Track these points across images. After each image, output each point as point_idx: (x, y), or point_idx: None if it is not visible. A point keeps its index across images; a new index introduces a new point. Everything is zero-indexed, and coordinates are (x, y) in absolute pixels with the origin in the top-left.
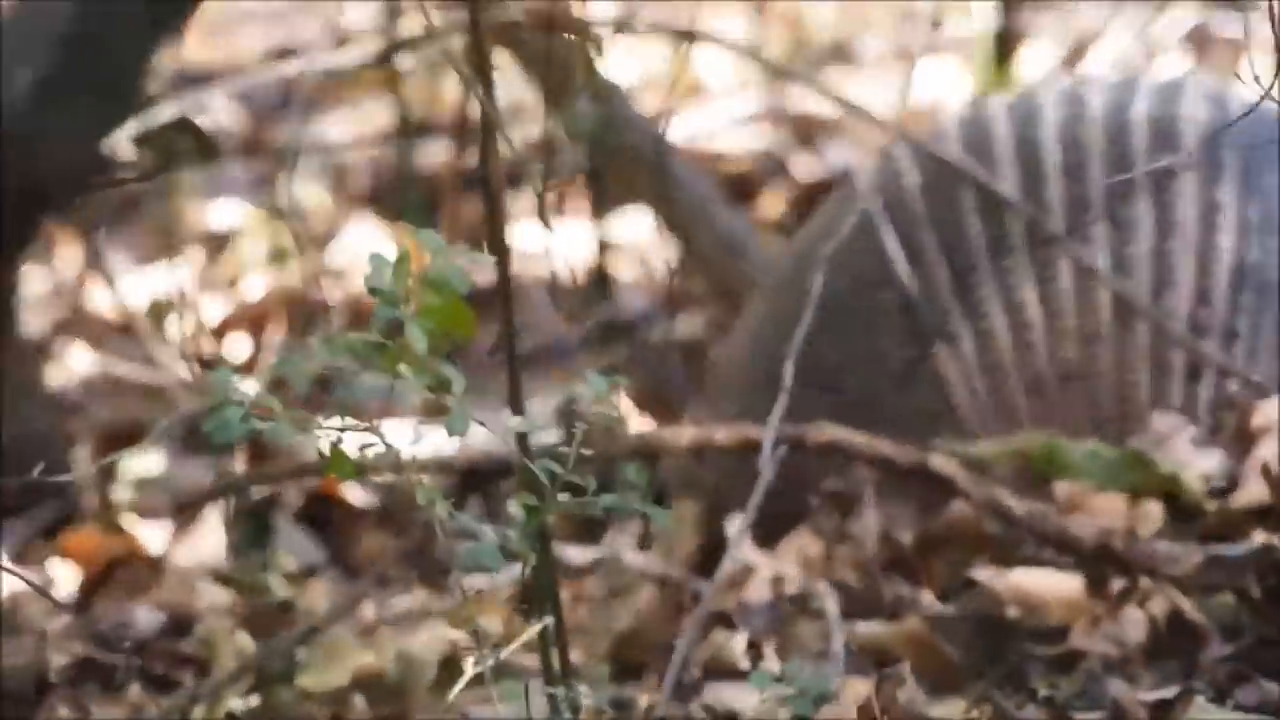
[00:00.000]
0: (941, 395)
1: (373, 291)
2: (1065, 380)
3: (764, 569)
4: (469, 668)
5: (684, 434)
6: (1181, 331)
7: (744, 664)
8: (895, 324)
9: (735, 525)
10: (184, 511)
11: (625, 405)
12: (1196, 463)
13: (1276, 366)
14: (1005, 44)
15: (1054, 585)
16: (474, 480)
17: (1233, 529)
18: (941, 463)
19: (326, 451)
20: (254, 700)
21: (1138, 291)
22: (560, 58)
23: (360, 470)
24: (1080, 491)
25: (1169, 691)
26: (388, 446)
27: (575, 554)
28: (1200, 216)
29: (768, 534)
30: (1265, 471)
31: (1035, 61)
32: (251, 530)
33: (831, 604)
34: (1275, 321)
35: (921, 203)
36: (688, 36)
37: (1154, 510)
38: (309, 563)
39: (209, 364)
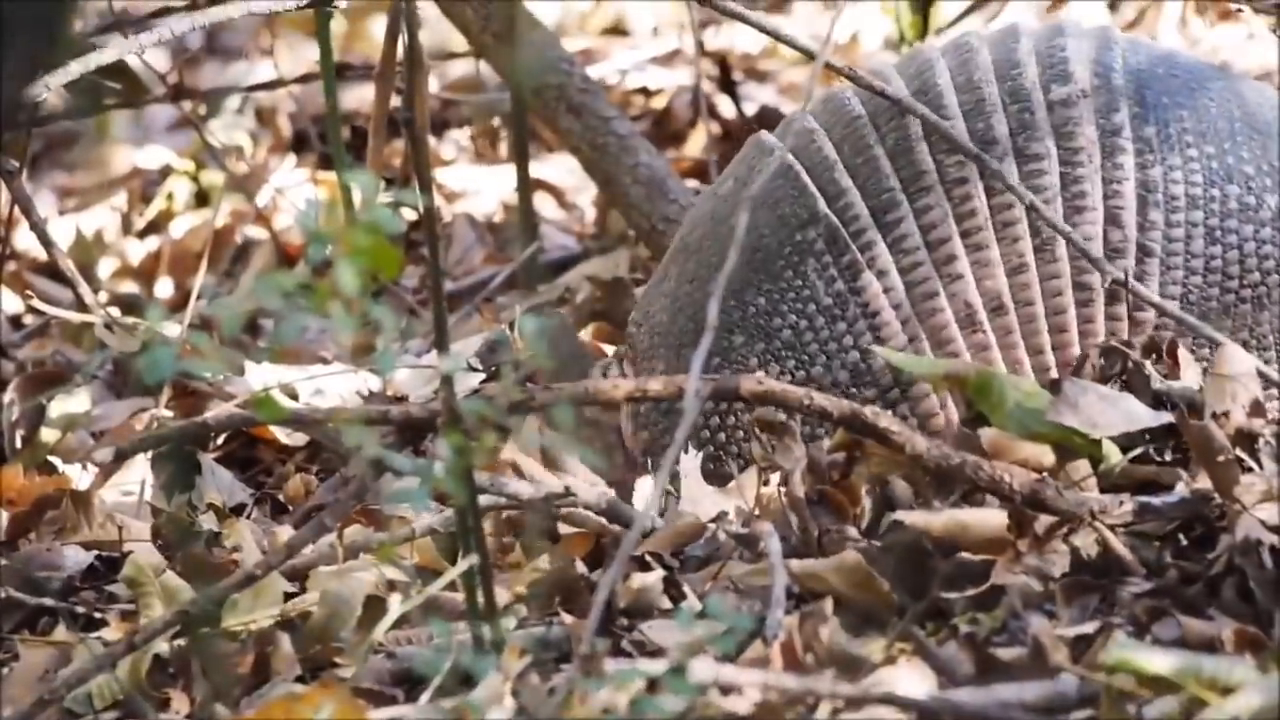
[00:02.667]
0: (873, 326)
1: (307, 232)
2: (997, 311)
3: (708, 506)
4: (394, 606)
5: (621, 385)
6: (1102, 262)
7: (664, 603)
8: (822, 260)
9: (663, 466)
10: (118, 461)
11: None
12: (1111, 422)
13: (1190, 279)
14: None
15: (977, 520)
16: (406, 432)
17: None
18: (876, 414)
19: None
20: (180, 642)
21: (1055, 218)
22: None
23: (294, 420)
24: (1006, 438)
25: (1089, 627)
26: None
27: (523, 488)
28: (1101, 140)
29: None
30: (1187, 426)
31: (955, 1)
32: (178, 469)
33: (774, 542)
34: (1184, 233)
35: (832, 149)
36: None
37: (1081, 466)
38: (236, 502)
39: (134, 306)
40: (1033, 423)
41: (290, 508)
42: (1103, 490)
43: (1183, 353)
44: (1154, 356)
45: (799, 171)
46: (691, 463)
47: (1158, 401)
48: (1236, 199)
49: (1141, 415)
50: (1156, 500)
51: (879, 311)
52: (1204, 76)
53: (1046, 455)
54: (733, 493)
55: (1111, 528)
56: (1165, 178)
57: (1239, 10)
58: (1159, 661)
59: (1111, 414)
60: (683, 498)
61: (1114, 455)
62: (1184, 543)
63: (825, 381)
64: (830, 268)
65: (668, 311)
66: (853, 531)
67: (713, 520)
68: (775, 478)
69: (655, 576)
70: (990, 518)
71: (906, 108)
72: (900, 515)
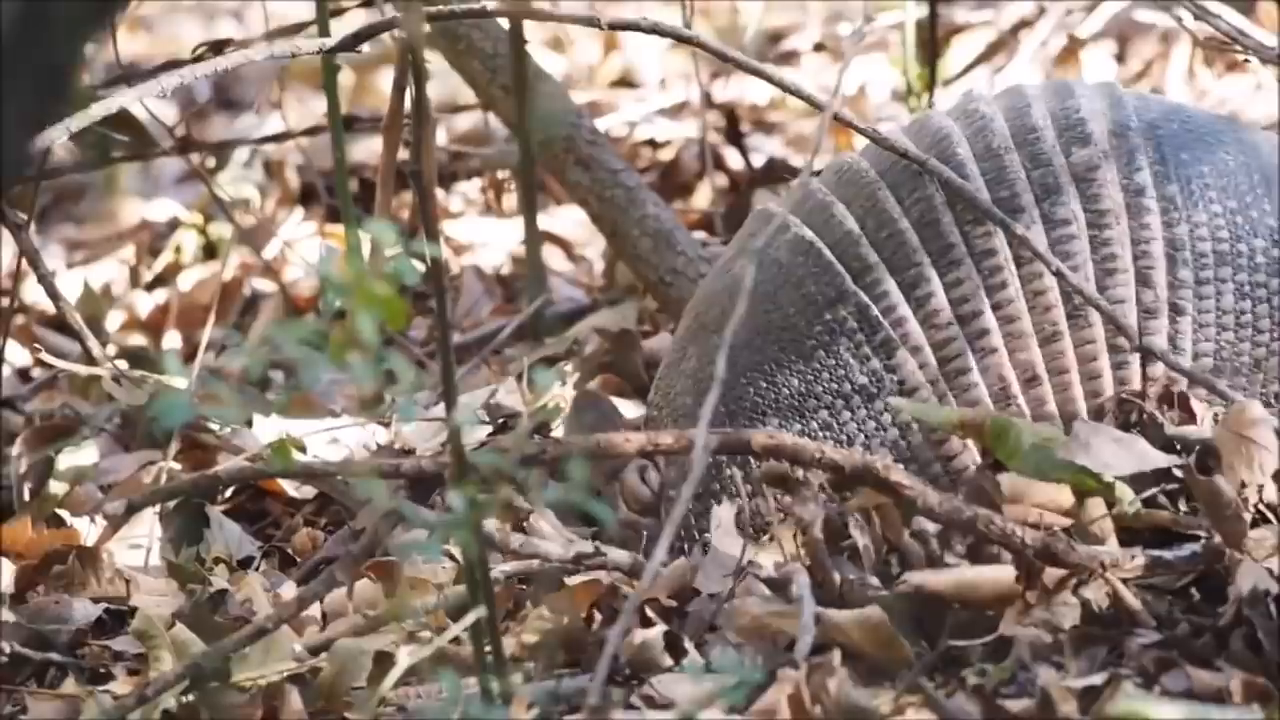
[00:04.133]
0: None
1: (323, 281)
2: (1031, 383)
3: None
4: (402, 660)
5: (633, 439)
6: (1130, 328)
7: (665, 660)
8: (855, 339)
9: (669, 520)
10: (129, 514)
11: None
12: (1123, 463)
13: (1221, 335)
14: (934, 36)
15: (987, 574)
16: (416, 485)
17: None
18: (888, 468)
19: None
20: (189, 697)
21: (1086, 286)
22: (492, 52)
23: (305, 472)
24: (1024, 482)
25: (1097, 678)
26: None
27: (554, 548)
28: (1126, 200)
29: None
30: (1195, 480)
31: (963, 53)
32: (187, 522)
33: (803, 577)
34: (1214, 290)
35: (855, 224)
36: (646, 29)
37: (1097, 505)
38: (244, 555)
39: (142, 358)
40: (1047, 464)
41: (299, 561)
42: (1119, 532)
43: (1195, 402)
44: (1166, 406)
45: (821, 249)
46: (726, 513)
47: (1170, 449)
48: (1263, 252)
49: (1153, 457)
50: (1168, 554)
51: (916, 388)
52: (1217, 129)
53: (1065, 496)
54: (766, 545)
55: (1124, 580)
56: (1192, 235)
57: (1246, 61)
58: (1167, 712)
59: (1124, 455)
60: (713, 548)
61: (1127, 496)
62: (1196, 596)
63: None
64: (864, 346)
65: (691, 394)
66: (874, 581)
67: (740, 568)
68: (786, 531)
69: (656, 632)
70: (999, 574)
71: (932, 170)
72: (909, 576)
